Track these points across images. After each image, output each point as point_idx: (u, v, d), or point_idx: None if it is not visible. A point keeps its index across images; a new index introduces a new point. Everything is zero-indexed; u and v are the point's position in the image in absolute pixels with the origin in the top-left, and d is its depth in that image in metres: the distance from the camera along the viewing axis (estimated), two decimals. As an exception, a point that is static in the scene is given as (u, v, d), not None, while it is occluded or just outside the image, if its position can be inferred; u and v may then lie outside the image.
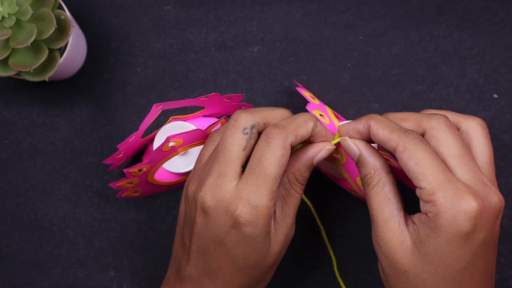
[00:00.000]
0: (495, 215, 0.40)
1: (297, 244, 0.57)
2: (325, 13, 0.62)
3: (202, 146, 0.56)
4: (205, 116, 0.59)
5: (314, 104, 0.53)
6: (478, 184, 0.40)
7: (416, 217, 0.41)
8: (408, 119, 0.43)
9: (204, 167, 0.46)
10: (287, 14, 0.62)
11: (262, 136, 0.43)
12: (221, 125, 0.51)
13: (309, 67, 0.61)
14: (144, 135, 0.57)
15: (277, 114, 0.46)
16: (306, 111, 0.59)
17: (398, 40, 0.61)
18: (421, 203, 0.40)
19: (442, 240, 0.39)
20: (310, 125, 0.44)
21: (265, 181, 0.41)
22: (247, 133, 0.43)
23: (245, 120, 0.44)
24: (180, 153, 0.54)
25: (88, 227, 0.60)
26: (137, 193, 0.58)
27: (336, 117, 0.57)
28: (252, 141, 0.44)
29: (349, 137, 0.45)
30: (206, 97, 0.52)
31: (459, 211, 0.38)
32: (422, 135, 0.42)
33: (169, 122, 0.57)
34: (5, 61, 0.54)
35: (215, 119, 0.59)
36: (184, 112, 0.59)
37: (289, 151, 0.42)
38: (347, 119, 0.60)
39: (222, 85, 0.61)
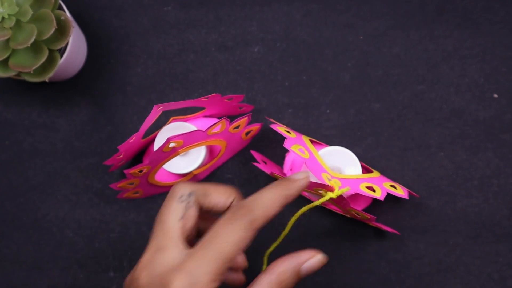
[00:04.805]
0: None
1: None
2: (325, 13, 0.62)
3: (203, 147, 0.56)
4: (205, 116, 0.59)
5: (291, 139, 0.51)
6: None
7: None
8: None
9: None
10: (287, 14, 0.62)
11: (226, 213, 0.38)
12: (221, 126, 0.51)
13: (309, 67, 0.61)
14: (144, 136, 0.57)
15: (220, 187, 0.42)
16: (307, 110, 0.60)
17: (398, 40, 0.61)
18: None
19: None
20: (280, 203, 0.40)
21: (216, 258, 0.37)
22: (183, 201, 0.40)
23: (182, 188, 0.41)
24: (180, 154, 0.54)
25: (88, 228, 0.60)
26: (138, 194, 0.57)
27: (314, 143, 0.57)
28: (191, 212, 0.40)
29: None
30: (207, 98, 0.52)
31: None
32: None
33: (169, 123, 0.57)
34: (5, 62, 0.54)
35: (215, 120, 0.59)
36: (184, 113, 0.59)
37: (253, 235, 0.38)
38: (347, 120, 0.60)
39: (222, 85, 0.61)
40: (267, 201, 0.39)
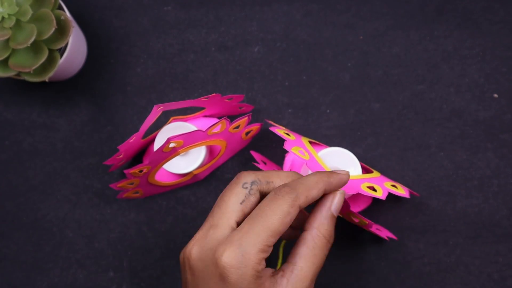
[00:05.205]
0: None
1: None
2: (325, 13, 0.62)
3: (203, 147, 0.56)
4: (205, 116, 0.59)
5: (291, 141, 0.52)
6: None
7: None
8: None
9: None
10: (287, 14, 0.62)
11: (271, 192, 0.41)
12: (221, 126, 0.51)
13: (309, 67, 0.61)
14: (144, 136, 0.57)
15: (282, 174, 0.43)
16: (307, 110, 0.60)
17: (398, 40, 0.61)
18: None
19: None
20: (321, 186, 0.42)
21: (263, 230, 0.39)
22: (246, 188, 0.42)
23: (246, 176, 0.42)
24: (180, 154, 0.54)
25: (87, 228, 0.60)
26: (138, 194, 0.57)
27: (314, 144, 0.57)
28: (252, 198, 0.42)
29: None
30: (207, 98, 0.52)
31: None
32: None
33: (169, 123, 0.57)
34: (5, 61, 0.54)
35: (215, 120, 0.59)
36: (184, 113, 0.59)
37: (297, 211, 0.40)
38: (347, 120, 0.60)
39: (222, 85, 0.61)
40: (309, 182, 0.42)
